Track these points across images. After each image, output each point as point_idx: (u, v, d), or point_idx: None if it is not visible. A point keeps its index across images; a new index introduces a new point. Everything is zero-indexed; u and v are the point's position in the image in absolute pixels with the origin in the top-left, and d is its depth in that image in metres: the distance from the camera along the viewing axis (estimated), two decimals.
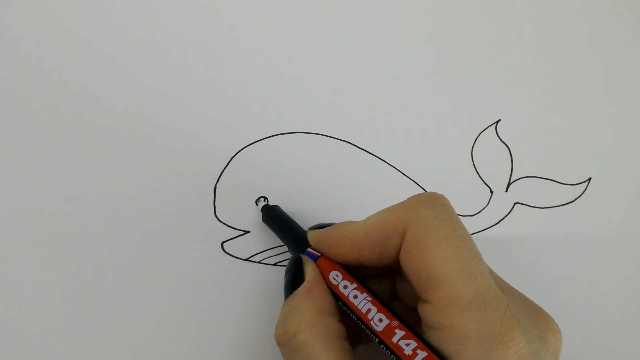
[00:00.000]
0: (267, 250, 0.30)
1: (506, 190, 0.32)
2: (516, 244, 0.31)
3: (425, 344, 0.20)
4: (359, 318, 0.22)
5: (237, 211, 0.30)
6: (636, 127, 0.34)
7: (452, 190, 0.32)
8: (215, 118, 0.32)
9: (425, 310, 0.20)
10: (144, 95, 0.32)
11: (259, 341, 0.28)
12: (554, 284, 0.31)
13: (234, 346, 0.28)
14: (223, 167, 0.31)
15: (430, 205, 0.21)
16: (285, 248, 0.29)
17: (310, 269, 0.24)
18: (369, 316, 0.22)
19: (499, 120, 0.33)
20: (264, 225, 0.30)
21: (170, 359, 0.28)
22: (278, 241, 0.30)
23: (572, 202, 0.32)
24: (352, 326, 0.23)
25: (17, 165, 0.30)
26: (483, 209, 0.32)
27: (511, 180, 0.33)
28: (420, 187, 0.32)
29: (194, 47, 0.33)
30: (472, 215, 0.32)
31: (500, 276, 0.28)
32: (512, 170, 0.33)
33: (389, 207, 0.22)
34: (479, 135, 0.33)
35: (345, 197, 0.31)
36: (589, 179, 0.33)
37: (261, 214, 0.29)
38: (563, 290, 0.31)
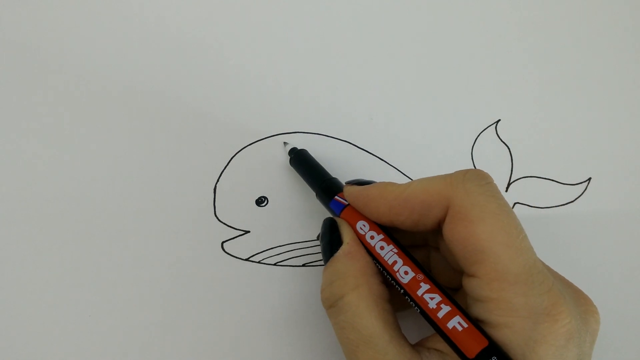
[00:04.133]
0: (267, 250, 0.30)
1: (506, 190, 0.32)
2: None
3: (448, 298, 0.21)
4: (384, 269, 0.22)
5: (237, 211, 0.30)
6: (636, 127, 0.34)
7: None
8: (215, 118, 0.32)
9: (471, 284, 0.21)
10: (143, 95, 0.32)
11: (259, 341, 0.28)
12: None
13: (234, 346, 0.28)
14: (223, 167, 0.31)
15: (477, 182, 0.21)
16: (287, 248, 0.30)
17: (346, 231, 0.24)
18: (395, 268, 0.22)
19: (499, 120, 0.33)
20: (264, 225, 0.30)
21: (170, 359, 0.28)
22: (278, 241, 0.30)
23: (572, 202, 0.32)
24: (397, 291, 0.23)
25: (17, 165, 0.30)
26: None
27: (511, 180, 0.33)
28: None
29: (193, 46, 0.33)
30: None
31: None
32: (512, 170, 0.33)
33: (432, 177, 0.22)
34: (479, 135, 0.33)
35: None
36: (589, 179, 0.33)
37: (288, 157, 0.30)
38: None
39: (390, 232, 0.24)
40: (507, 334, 0.20)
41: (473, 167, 0.33)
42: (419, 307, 0.21)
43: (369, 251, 0.23)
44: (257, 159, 0.31)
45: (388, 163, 0.32)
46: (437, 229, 0.23)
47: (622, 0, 0.37)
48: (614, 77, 0.35)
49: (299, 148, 0.30)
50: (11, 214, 0.29)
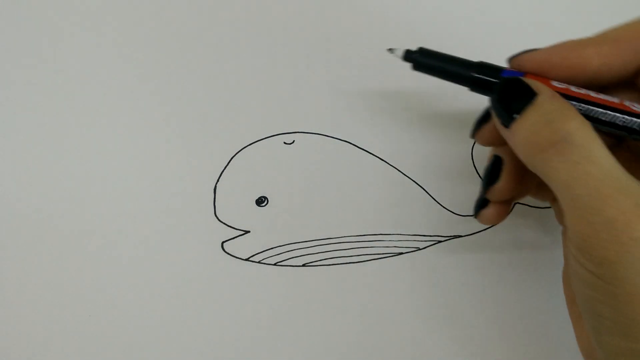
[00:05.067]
0: (267, 250, 0.30)
1: None
2: (516, 244, 0.31)
3: None
4: (611, 108, 0.21)
5: (237, 211, 0.30)
6: None
7: (452, 191, 0.32)
8: (215, 118, 0.32)
9: None
10: (143, 94, 0.32)
11: (259, 341, 0.28)
12: (553, 284, 0.31)
13: (234, 346, 0.28)
14: (223, 167, 0.31)
15: None
16: (287, 248, 0.30)
17: (537, 84, 0.22)
18: (626, 104, 0.20)
19: None
20: (264, 225, 0.30)
21: (170, 359, 0.28)
22: (278, 241, 0.30)
23: None
24: None
25: (17, 165, 0.30)
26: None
27: None
28: (421, 187, 0.32)
29: (193, 46, 0.33)
30: (472, 216, 0.32)
31: (500, 276, 0.28)
32: None
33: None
34: None
35: (345, 197, 0.31)
36: None
37: (410, 63, 0.26)
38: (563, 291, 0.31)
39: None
40: None
41: (474, 167, 0.33)
42: None
43: (579, 99, 0.22)
44: (257, 159, 0.31)
45: (388, 163, 0.32)
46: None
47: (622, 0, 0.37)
48: None
49: (413, 49, 0.26)
50: (11, 214, 0.29)
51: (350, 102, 0.33)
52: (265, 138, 0.31)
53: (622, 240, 0.18)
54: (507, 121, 0.22)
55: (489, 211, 0.27)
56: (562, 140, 0.20)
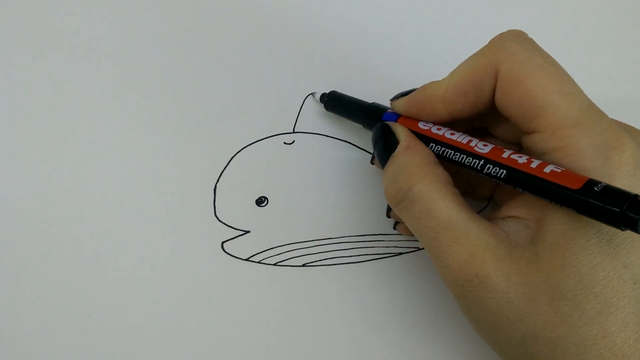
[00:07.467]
0: (267, 250, 0.30)
1: None
2: None
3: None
4: (458, 150, 0.23)
5: (237, 211, 0.30)
6: (637, 124, 0.34)
7: None
8: (215, 118, 0.32)
9: (534, 140, 0.21)
10: (143, 95, 0.32)
11: (259, 341, 0.28)
12: None
13: (234, 346, 0.28)
14: (223, 167, 0.31)
15: (516, 41, 0.22)
16: (287, 248, 0.30)
17: (400, 130, 0.24)
18: (472, 144, 0.22)
19: None
20: (264, 225, 0.30)
21: (170, 359, 0.28)
22: (278, 241, 0.30)
23: None
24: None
25: (17, 165, 0.30)
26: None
27: None
28: None
29: (193, 46, 0.33)
30: None
31: None
32: None
33: (472, 56, 0.23)
34: None
35: (345, 198, 0.31)
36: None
37: (322, 104, 0.31)
38: None
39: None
40: None
41: None
42: (507, 168, 0.21)
43: (435, 141, 0.24)
44: (257, 159, 0.31)
45: None
46: (492, 108, 0.23)
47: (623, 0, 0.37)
48: (614, 77, 0.35)
49: (327, 92, 0.31)
50: (11, 214, 0.29)
51: None
52: (265, 138, 0.32)
53: (460, 283, 0.21)
54: (382, 164, 0.25)
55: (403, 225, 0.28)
56: (406, 198, 0.22)
